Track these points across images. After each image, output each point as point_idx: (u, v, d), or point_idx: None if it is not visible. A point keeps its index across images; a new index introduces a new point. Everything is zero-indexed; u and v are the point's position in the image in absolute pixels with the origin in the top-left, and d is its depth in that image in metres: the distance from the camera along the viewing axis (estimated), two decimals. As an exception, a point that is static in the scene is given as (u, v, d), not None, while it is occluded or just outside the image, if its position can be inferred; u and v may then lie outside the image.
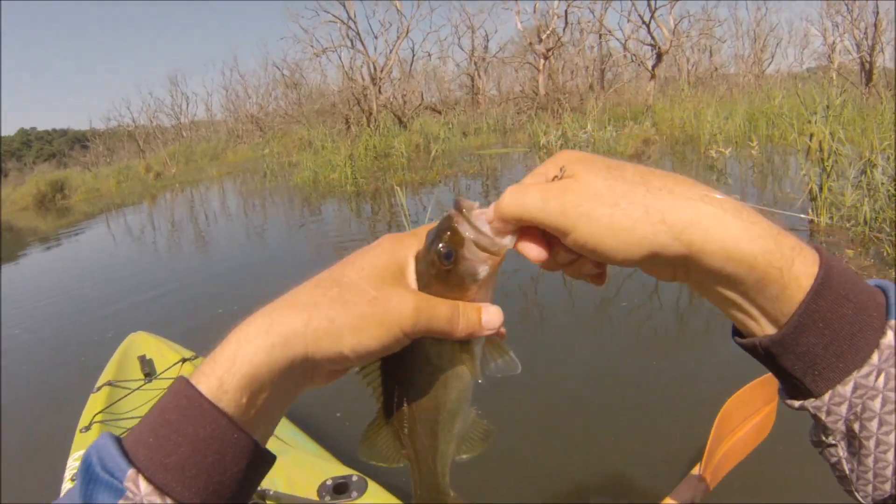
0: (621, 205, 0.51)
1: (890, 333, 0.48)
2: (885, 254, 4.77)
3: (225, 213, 12.88)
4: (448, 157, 15.78)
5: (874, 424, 0.49)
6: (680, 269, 0.53)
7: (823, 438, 0.53)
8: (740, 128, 12.65)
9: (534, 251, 0.56)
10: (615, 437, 3.21)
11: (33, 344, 6.04)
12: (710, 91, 20.09)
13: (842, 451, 0.52)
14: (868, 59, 19.57)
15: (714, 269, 0.51)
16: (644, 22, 19.87)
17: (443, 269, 0.56)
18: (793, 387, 0.53)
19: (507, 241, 0.56)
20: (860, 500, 0.53)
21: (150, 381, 2.93)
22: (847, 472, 0.53)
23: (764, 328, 0.53)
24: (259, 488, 2.13)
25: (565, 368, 4.00)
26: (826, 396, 0.50)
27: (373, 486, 2.04)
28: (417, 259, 0.59)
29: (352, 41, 23.26)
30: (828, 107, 6.19)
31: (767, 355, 0.53)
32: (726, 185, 8.25)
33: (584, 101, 20.28)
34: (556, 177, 0.55)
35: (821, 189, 5.75)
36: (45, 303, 7.52)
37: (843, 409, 0.50)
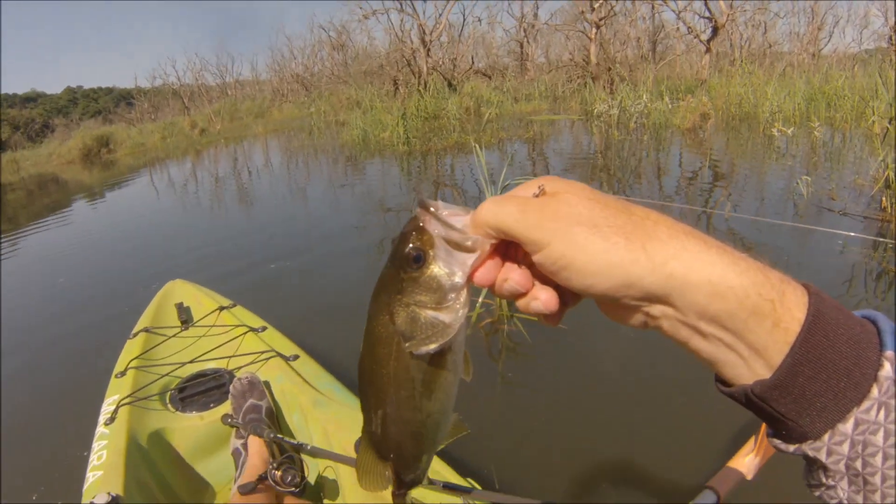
0: (601, 227, 0.48)
1: (888, 365, 0.45)
2: None
3: (269, 169, 12.87)
4: (500, 121, 15.58)
5: (878, 459, 0.46)
6: (655, 307, 0.50)
7: (823, 480, 0.50)
8: (800, 107, 12.14)
9: (491, 262, 0.54)
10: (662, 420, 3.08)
11: (77, 291, 6.11)
12: (765, 68, 19.38)
13: (842, 493, 0.49)
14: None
15: (699, 306, 0.47)
16: (700, -7, 19.18)
17: (412, 275, 0.53)
18: (784, 429, 0.50)
19: (482, 242, 0.52)
20: None
21: (186, 328, 2.86)
22: None
23: (754, 369, 0.49)
24: (294, 441, 2.05)
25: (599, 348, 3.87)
26: (826, 437, 0.47)
27: None
28: (382, 280, 0.56)
29: (401, 3, 22.99)
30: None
31: (759, 405, 0.49)
32: (788, 167, 7.89)
33: (635, 71, 19.85)
34: (535, 195, 0.52)
35: None
36: (89, 253, 7.61)
37: (846, 447, 0.47)
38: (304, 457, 2.08)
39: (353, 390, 2.36)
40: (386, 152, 12.35)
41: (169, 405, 2.37)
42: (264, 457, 2.03)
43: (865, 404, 0.45)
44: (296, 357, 2.50)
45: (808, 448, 0.48)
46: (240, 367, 2.47)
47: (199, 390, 2.42)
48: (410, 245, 0.52)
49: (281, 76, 37.68)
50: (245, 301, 4.23)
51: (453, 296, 0.53)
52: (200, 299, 3.10)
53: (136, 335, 2.82)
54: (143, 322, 2.94)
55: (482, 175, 4.47)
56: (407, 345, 0.55)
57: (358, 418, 1.66)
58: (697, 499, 1.70)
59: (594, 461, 2.77)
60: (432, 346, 0.54)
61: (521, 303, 0.55)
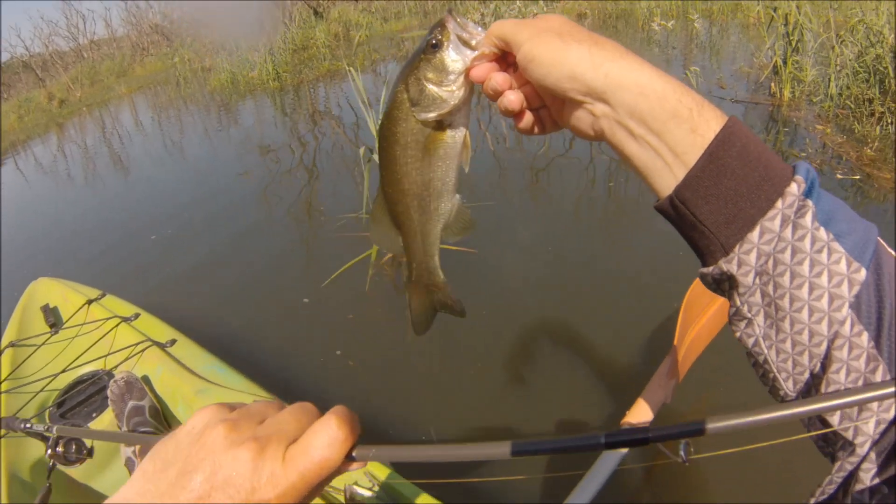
0: (563, 35, 0.59)
1: (794, 185, 0.51)
2: (855, 131, 4.71)
3: (141, 130, 12.09)
4: (371, 43, 15.07)
5: (786, 279, 0.52)
6: (597, 105, 0.58)
7: (739, 307, 0.56)
8: (676, 2, 12.06)
9: (490, 62, 0.66)
10: (576, 323, 3.05)
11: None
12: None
13: (758, 329, 0.55)
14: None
15: (628, 104, 0.55)
16: None
17: (427, 57, 0.66)
18: (705, 243, 0.56)
19: (485, 46, 0.65)
20: (786, 392, 0.56)
21: (55, 332, 2.58)
22: (766, 352, 0.56)
23: (675, 173, 0.55)
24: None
25: (511, 252, 3.80)
26: (736, 248, 0.53)
27: None
28: (408, 60, 0.68)
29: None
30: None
31: (682, 211, 0.55)
32: (669, 58, 7.93)
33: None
34: (532, 14, 0.67)
35: (785, 63, 5.63)
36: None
37: (753, 256, 0.52)
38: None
39: (238, 370, 2.20)
40: (257, 91, 11.73)
41: (50, 425, 2.15)
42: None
43: (770, 213, 0.51)
44: (173, 342, 2.30)
45: (723, 263, 0.54)
46: (118, 365, 2.26)
47: (80, 400, 2.21)
48: (432, 35, 0.66)
49: (139, 29, 35.22)
50: (124, 283, 3.95)
51: (453, 77, 0.66)
52: (67, 296, 2.82)
53: (2, 353, 2.55)
54: (7, 336, 2.65)
55: (360, 99, 4.21)
56: (413, 110, 0.67)
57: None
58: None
59: (504, 392, 2.77)
60: (431, 115, 0.67)
61: (498, 102, 0.66)
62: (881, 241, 0.53)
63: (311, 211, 5.12)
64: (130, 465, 1.93)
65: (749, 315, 0.56)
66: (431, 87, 0.67)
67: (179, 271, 4.48)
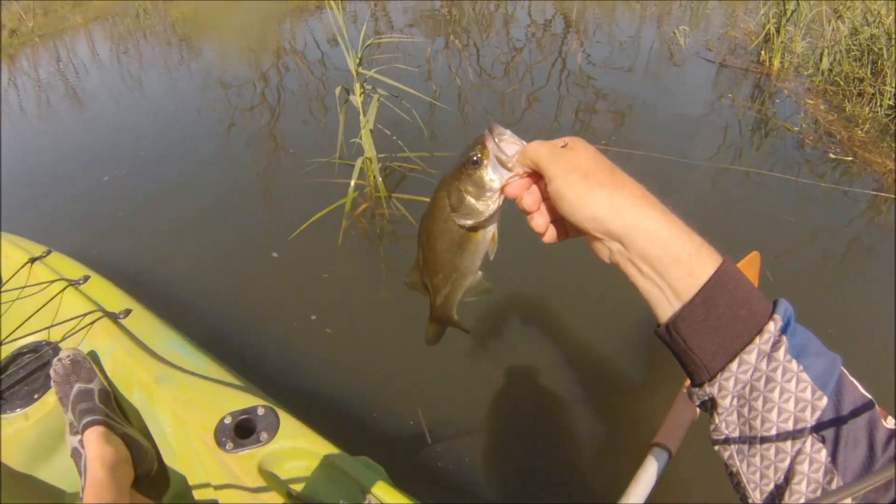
0: (589, 177, 0.67)
1: (772, 324, 0.61)
2: (846, 109, 4.65)
3: (98, 63, 11.44)
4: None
5: (759, 404, 0.62)
6: (613, 243, 0.68)
7: (717, 423, 0.66)
8: None
9: (523, 182, 0.76)
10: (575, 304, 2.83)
11: None
12: None
13: (733, 445, 0.65)
14: None
15: (639, 247, 0.65)
16: None
17: (468, 172, 0.76)
18: (694, 369, 0.66)
19: (518, 168, 0.75)
20: (753, 501, 0.65)
21: (-6, 293, 2.29)
22: (738, 464, 0.65)
23: (674, 306, 0.65)
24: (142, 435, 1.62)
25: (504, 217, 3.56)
26: (718, 375, 0.63)
27: (286, 422, 1.54)
28: (451, 169, 0.78)
29: None
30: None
31: (676, 338, 0.65)
32: (649, 16, 7.65)
33: None
34: (562, 146, 0.71)
35: (778, 31, 5.50)
36: None
37: (731, 383, 0.63)
38: (163, 451, 1.67)
39: (202, 349, 1.93)
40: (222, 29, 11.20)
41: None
42: (107, 455, 1.58)
43: (749, 347, 0.61)
44: (127, 312, 2.01)
45: (707, 387, 0.64)
46: (64, 337, 1.97)
47: (20, 378, 1.93)
48: (473, 152, 0.75)
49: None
50: (73, 236, 3.56)
51: (489, 194, 0.76)
52: (8, 252, 2.49)
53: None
54: (-65, 302, 2.34)
55: (341, 38, 3.76)
56: (453, 214, 0.79)
57: (216, 394, 1.48)
58: (648, 461, 1.50)
59: (499, 369, 2.62)
60: (468, 222, 0.78)
61: (528, 219, 0.78)
62: (844, 370, 0.62)
63: (279, 154, 4.75)
64: (77, 458, 1.67)
65: (726, 432, 0.65)
66: (470, 199, 0.76)
67: (134, 222, 4.01)
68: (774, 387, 0.60)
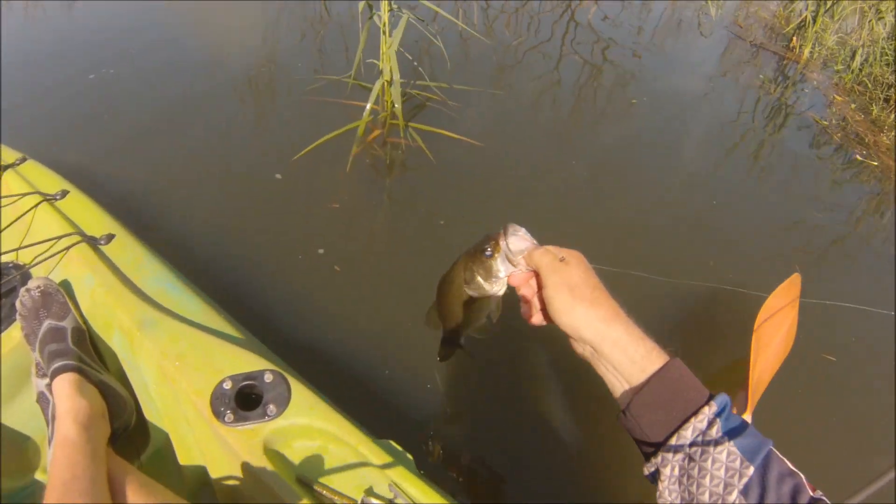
0: (575, 292, 0.85)
1: (707, 408, 0.75)
2: (872, 112, 4.48)
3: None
4: None
5: (696, 472, 0.74)
6: (587, 347, 0.86)
7: (661, 490, 0.78)
8: None
9: (525, 276, 0.96)
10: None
11: None
12: None
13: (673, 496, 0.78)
14: None
15: (606, 352, 0.83)
16: None
17: (481, 259, 0.95)
18: (645, 446, 0.82)
19: (522, 265, 0.93)
20: None
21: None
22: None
23: (628, 394, 0.82)
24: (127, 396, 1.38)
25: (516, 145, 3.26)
26: (661, 448, 0.78)
27: (298, 393, 1.28)
28: (468, 251, 0.99)
29: None
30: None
31: (631, 420, 0.81)
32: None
33: None
34: (561, 259, 0.89)
35: (815, 20, 5.30)
36: None
37: (671, 455, 0.76)
38: (144, 403, 1.41)
39: (194, 288, 1.65)
40: None
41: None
42: (81, 410, 1.32)
43: (685, 425, 0.75)
44: (110, 238, 1.73)
45: (654, 459, 0.79)
46: (34, 262, 1.70)
47: (-20, 302, 1.65)
48: (487, 246, 0.94)
49: None
50: (51, 144, 3.16)
51: (495, 280, 0.95)
52: (-24, 157, 2.19)
53: None
54: None
55: None
56: (464, 285, 0.98)
57: (209, 349, 1.30)
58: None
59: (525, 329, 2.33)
60: (475, 293, 0.98)
61: (522, 311, 0.98)
62: (776, 451, 0.74)
63: (273, 67, 4.20)
64: (44, 404, 1.42)
65: (669, 499, 0.77)
66: (480, 280, 0.96)
67: (120, 128, 3.44)
68: (708, 457, 0.73)
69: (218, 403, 1.23)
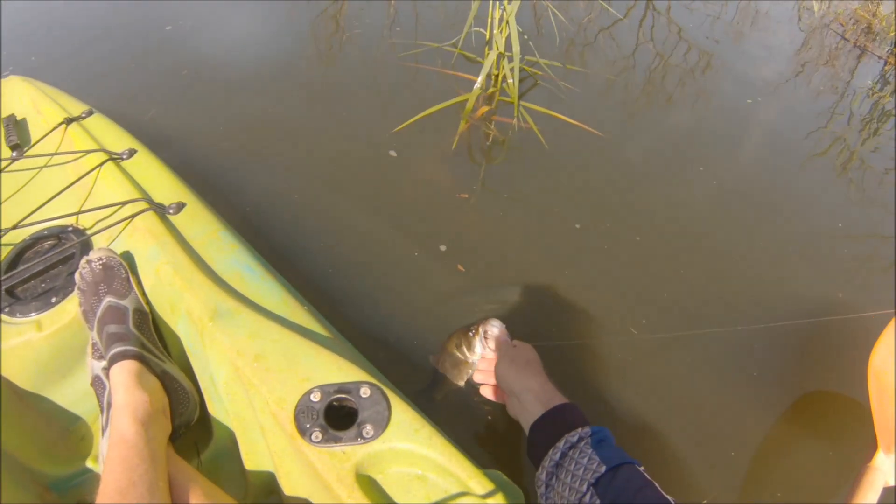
0: (512, 364, 1.28)
1: (579, 429, 1.02)
2: None
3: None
4: None
5: (562, 473, 0.97)
6: (513, 398, 1.23)
7: (538, 486, 1.03)
8: None
9: (486, 367, 1.41)
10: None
11: None
12: None
13: (545, 497, 1.00)
14: None
15: (525, 398, 1.17)
16: None
17: (468, 337, 1.46)
18: (539, 459, 1.05)
19: (490, 352, 1.41)
20: None
21: (18, 157, 1.84)
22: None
23: (532, 424, 1.12)
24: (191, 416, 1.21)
25: (638, 135, 2.92)
26: (545, 458, 1.03)
27: (399, 411, 1.06)
28: (458, 332, 1.52)
29: None
30: None
31: (533, 440, 1.10)
32: None
33: None
34: (514, 345, 1.36)
35: None
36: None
37: (548, 461, 1.01)
38: (209, 398, 1.24)
39: (278, 277, 1.43)
40: None
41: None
42: (140, 406, 1.15)
43: (560, 441, 1.01)
44: (181, 206, 1.54)
45: (540, 469, 1.03)
46: (94, 227, 1.54)
47: (37, 270, 1.49)
48: (472, 328, 1.45)
49: None
50: (121, 98, 2.91)
51: (473, 353, 1.44)
52: (41, 107, 2.02)
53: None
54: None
55: None
56: (454, 350, 1.47)
57: (295, 352, 1.19)
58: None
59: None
60: (460, 356, 1.47)
61: (480, 389, 1.42)
62: (641, 468, 0.92)
63: (390, 32, 3.61)
64: (99, 388, 1.27)
65: (542, 497, 1.01)
66: (465, 349, 1.45)
67: (202, 88, 3.03)
68: (572, 462, 0.96)
69: (304, 418, 1.03)
